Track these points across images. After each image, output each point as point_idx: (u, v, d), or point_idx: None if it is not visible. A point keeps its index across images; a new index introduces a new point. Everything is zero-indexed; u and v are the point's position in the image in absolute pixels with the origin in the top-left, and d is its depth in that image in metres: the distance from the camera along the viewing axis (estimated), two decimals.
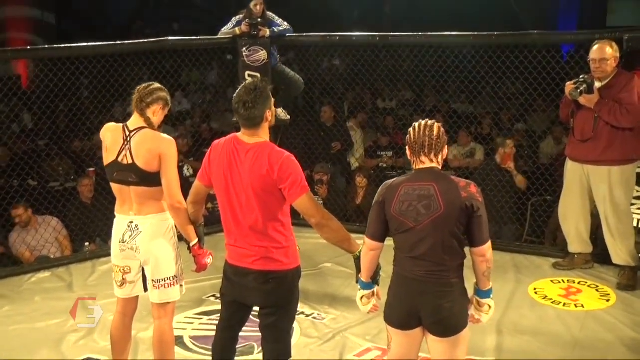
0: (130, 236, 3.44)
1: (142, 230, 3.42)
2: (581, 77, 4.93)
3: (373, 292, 3.09)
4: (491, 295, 3.00)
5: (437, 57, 6.19)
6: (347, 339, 4.26)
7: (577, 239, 5.25)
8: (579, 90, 4.83)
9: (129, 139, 3.36)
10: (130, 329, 3.68)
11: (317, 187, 6.61)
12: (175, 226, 3.48)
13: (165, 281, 3.46)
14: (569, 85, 4.91)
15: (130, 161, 3.34)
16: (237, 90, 3.07)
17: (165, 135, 3.41)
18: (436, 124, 2.92)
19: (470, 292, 2.99)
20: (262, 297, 3.11)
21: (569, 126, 5.17)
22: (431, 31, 5.90)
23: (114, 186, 3.46)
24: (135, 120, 3.42)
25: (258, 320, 3.21)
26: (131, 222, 3.44)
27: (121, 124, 3.44)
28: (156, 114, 3.43)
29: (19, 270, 5.58)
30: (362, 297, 3.10)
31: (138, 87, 3.47)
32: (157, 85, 3.49)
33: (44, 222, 6.18)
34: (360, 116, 8.43)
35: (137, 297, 3.62)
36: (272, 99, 3.10)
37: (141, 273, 3.53)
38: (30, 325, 4.55)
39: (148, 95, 3.41)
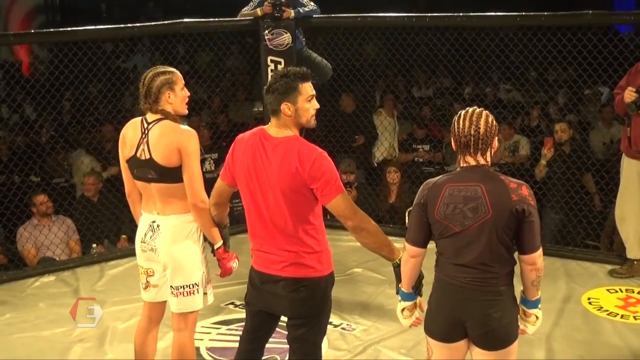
0: (150, 237, 3.45)
1: (162, 231, 3.43)
2: None
3: (415, 304, 3.08)
4: (539, 306, 2.98)
5: (479, 40, 6.15)
6: (380, 352, 4.27)
7: (637, 244, 5.22)
8: (637, 105, 4.80)
9: (146, 132, 3.37)
10: (155, 336, 3.68)
11: (348, 190, 6.57)
12: None
13: (184, 288, 3.45)
14: (630, 93, 4.85)
15: (147, 156, 3.35)
16: None
17: (185, 127, 3.40)
18: (484, 114, 2.86)
19: (518, 299, 2.98)
20: (292, 307, 3.11)
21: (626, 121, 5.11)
22: (472, 11, 5.86)
23: (137, 183, 3.48)
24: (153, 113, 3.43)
25: (284, 331, 3.22)
26: (153, 222, 3.46)
27: (140, 117, 3.45)
28: (170, 99, 3.39)
29: (21, 273, 5.65)
30: (403, 310, 3.09)
31: (138, 85, 3.42)
32: (151, 74, 3.40)
33: (58, 221, 6.25)
34: (387, 104, 8.30)
35: (165, 302, 3.62)
36: (301, 94, 3.02)
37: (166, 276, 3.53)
38: (34, 334, 4.62)
39: (149, 92, 3.35)
